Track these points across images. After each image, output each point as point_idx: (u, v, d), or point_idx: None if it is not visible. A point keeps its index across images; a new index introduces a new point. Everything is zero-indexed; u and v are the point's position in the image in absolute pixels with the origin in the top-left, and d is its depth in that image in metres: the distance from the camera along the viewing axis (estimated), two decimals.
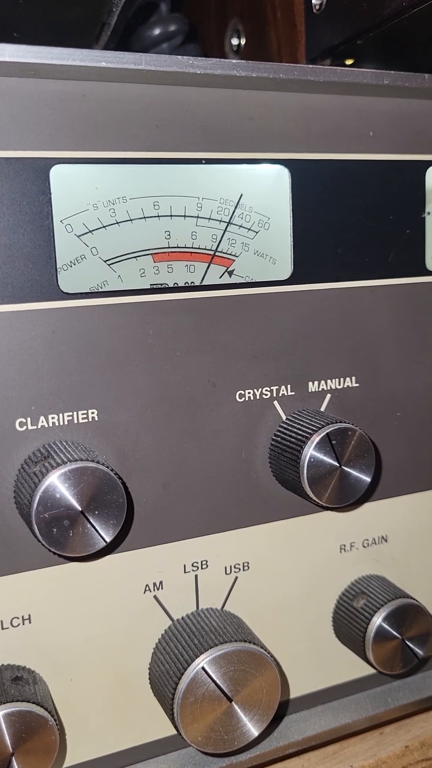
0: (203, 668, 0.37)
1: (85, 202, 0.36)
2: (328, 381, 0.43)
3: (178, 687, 0.37)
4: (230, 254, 0.40)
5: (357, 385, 0.44)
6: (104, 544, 0.34)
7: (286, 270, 0.41)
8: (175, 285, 0.39)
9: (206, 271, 0.39)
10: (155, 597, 0.40)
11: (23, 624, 0.37)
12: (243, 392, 0.41)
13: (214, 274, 0.40)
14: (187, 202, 0.39)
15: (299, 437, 0.39)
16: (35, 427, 0.36)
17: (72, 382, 0.37)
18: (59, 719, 0.38)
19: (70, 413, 0.37)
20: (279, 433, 0.41)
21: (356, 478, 0.40)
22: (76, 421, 0.37)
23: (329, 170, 0.42)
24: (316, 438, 0.39)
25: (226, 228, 0.40)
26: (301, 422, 0.40)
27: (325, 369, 0.43)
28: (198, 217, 0.39)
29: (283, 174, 0.41)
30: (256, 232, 0.40)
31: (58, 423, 0.36)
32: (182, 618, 0.41)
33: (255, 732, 0.38)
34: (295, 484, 0.40)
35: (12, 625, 0.37)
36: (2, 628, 0.37)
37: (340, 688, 0.46)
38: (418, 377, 0.46)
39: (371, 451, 0.40)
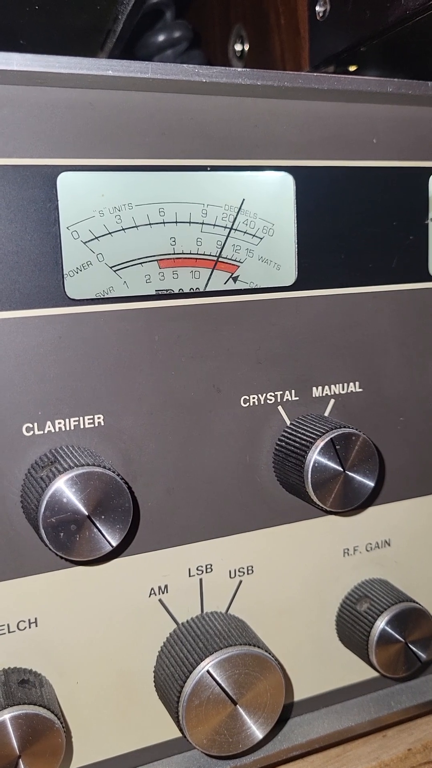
0: (208, 671, 0.37)
1: (91, 209, 0.37)
2: (332, 386, 0.43)
3: (183, 690, 0.37)
4: (235, 260, 0.40)
5: (360, 390, 0.44)
6: (111, 548, 0.34)
7: (290, 276, 0.42)
8: (181, 291, 0.39)
9: (211, 277, 0.40)
10: (160, 600, 0.40)
11: (29, 627, 0.37)
12: (247, 397, 0.41)
13: (218, 280, 0.40)
14: (192, 209, 0.39)
15: (303, 442, 0.40)
16: (42, 432, 0.36)
17: (78, 388, 0.37)
18: (65, 722, 0.38)
19: (77, 418, 0.37)
20: (283, 438, 0.41)
21: (360, 483, 0.40)
22: (82, 426, 0.37)
23: (333, 177, 0.42)
24: (320, 443, 0.39)
25: (231, 234, 0.40)
26: (305, 427, 0.41)
27: (328, 374, 0.43)
28: (203, 223, 0.39)
29: (287, 181, 0.41)
30: (261, 239, 0.41)
31: (65, 428, 0.37)
32: (187, 621, 0.41)
33: (259, 735, 0.38)
34: (299, 488, 0.40)
35: (18, 629, 0.37)
36: (9, 632, 0.37)
37: (344, 691, 0.47)
38: (421, 382, 0.46)
39: (375, 456, 0.40)
